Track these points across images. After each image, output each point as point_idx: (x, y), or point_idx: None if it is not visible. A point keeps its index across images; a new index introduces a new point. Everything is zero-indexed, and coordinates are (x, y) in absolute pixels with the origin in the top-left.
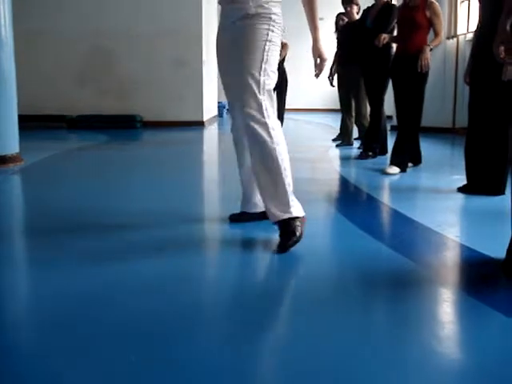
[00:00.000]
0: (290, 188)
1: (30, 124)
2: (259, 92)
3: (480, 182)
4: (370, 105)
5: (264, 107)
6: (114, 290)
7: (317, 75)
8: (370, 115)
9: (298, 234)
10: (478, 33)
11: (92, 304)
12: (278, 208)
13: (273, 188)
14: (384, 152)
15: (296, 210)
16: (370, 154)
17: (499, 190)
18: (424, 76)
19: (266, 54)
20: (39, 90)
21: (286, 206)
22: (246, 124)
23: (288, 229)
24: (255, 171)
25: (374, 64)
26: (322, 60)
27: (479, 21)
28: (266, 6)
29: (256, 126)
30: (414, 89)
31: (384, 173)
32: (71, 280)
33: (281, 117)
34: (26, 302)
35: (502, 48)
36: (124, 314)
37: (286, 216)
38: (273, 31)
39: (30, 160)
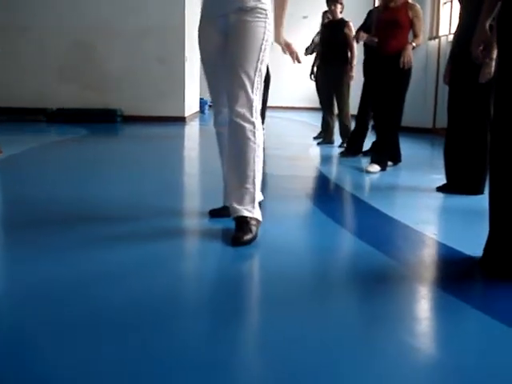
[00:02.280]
0: (257, 190)
1: (9, 116)
2: (252, 92)
3: (459, 182)
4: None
5: (254, 107)
6: (87, 280)
7: (298, 61)
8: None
9: (253, 233)
10: (457, 34)
11: (67, 293)
12: (242, 205)
13: (241, 185)
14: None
15: (257, 212)
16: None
17: (478, 190)
18: (407, 76)
19: (262, 53)
20: (19, 83)
21: (250, 205)
22: (234, 121)
23: (245, 225)
24: (229, 165)
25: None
26: (288, 46)
27: (459, 22)
28: (264, 0)
29: (244, 124)
30: (397, 88)
31: (365, 171)
32: (44, 271)
33: (263, 114)
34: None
35: (481, 48)
36: (97, 304)
37: (247, 214)
38: (269, 30)
39: (9, 152)
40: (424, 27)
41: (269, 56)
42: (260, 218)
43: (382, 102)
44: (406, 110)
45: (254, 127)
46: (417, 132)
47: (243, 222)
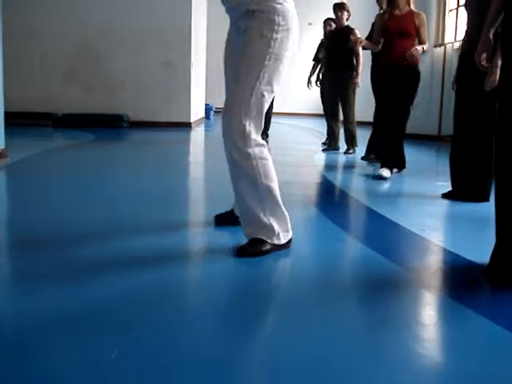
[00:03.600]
0: (270, 215)
1: (16, 121)
2: (245, 116)
3: (465, 189)
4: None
5: (247, 133)
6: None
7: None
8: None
9: (264, 248)
10: (465, 42)
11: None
12: (258, 234)
13: (255, 219)
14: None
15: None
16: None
17: (483, 197)
18: (415, 84)
19: (263, 70)
20: (26, 88)
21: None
22: (227, 151)
23: (257, 241)
24: (237, 192)
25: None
26: None
27: (466, 31)
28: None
29: (236, 158)
30: (405, 96)
31: (378, 176)
32: (40, 292)
33: (268, 120)
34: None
35: (484, 56)
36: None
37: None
38: (281, 40)
39: (16, 157)
40: (428, 34)
41: (286, 69)
42: (280, 242)
43: (390, 109)
44: (412, 117)
45: (249, 157)
46: (422, 139)
47: (255, 240)
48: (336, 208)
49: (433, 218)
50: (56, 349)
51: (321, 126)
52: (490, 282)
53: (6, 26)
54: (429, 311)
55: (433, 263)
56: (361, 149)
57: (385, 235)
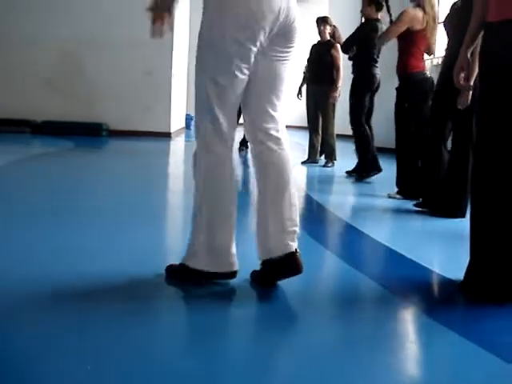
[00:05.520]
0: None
1: None
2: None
3: (438, 204)
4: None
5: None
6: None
7: None
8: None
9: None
10: (444, 62)
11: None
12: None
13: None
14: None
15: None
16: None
17: (457, 214)
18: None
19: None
20: (4, 94)
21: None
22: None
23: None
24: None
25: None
26: None
27: (446, 49)
28: None
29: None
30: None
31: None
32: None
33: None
34: None
35: (462, 75)
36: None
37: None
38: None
39: None
40: None
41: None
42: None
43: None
44: (385, 131)
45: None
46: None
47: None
48: (314, 222)
49: (408, 234)
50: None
51: (300, 139)
52: (464, 297)
53: None
54: (404, 328)
55: (408, 279)
56: (340, 162)
57: (361, 250)
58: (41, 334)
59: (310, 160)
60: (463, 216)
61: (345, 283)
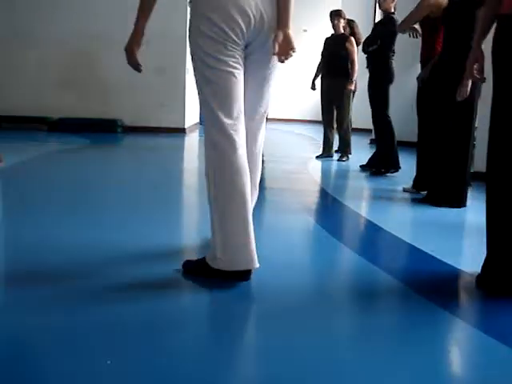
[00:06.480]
0: None
1: (11, 125)
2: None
3: (441, 194)
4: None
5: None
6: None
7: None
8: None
9: None
10: (441, 53)
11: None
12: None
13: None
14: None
15: None
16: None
17: (460, 202)
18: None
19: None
20: (20, 92)
21: None
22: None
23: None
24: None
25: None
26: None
27: (444, 43)
28: None
29: None
30: None
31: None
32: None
33: None
34: None
35: (475, 67)
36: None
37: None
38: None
39: (10, 161)
40: None
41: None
42: None
43: None
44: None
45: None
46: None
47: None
48: (326, 214)
49: (417, 225)
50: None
51: (315, 133)
52: (481, 291)
53: (1, 32)
54: (421, 321)
55: (424, 273)
56: (354, 156)
57: (376, 244)
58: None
59: (325, 154)
60: (464, 205)
61: (359, 276)
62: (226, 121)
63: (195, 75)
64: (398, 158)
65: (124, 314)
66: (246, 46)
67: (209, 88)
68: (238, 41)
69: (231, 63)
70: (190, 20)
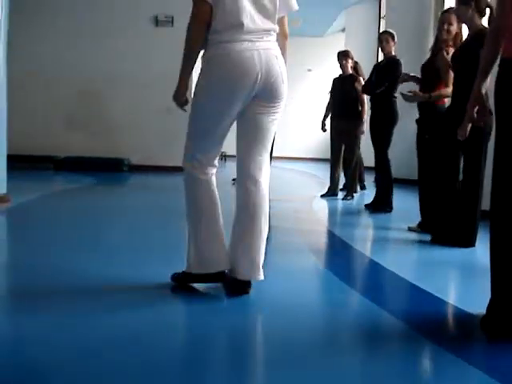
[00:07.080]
0: None
1: (18, 164)
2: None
3: (449, 234)
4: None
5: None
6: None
7: None
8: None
9: None
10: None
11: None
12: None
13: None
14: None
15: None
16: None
17: (469, 243)
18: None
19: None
20: (27, 131)
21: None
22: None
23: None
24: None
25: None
26: None
27: (454, 85)
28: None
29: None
30: None
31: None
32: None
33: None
34: None
35: (476, 109)
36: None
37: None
38: (204, 78)
39: (17, 200)
40: None
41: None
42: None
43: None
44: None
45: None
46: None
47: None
48: (332, 256)
49: (424, 266)
50: None
51: (318, 171)
52: (486, 333)
53: (8, 69)
54: (426, 364)
55: (429, 314)
56: (362, 195)
57: (381, 285)
58: None
59: (330, 193)
60: (473, 245)
61: (364, 318)
62: (200, 156)
63: (191, 111)
64: (391, 197)
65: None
66: (253, 98)
67: (198, 131)
68: (243, 98)
69: (227, 117)
70: (199, 75)
